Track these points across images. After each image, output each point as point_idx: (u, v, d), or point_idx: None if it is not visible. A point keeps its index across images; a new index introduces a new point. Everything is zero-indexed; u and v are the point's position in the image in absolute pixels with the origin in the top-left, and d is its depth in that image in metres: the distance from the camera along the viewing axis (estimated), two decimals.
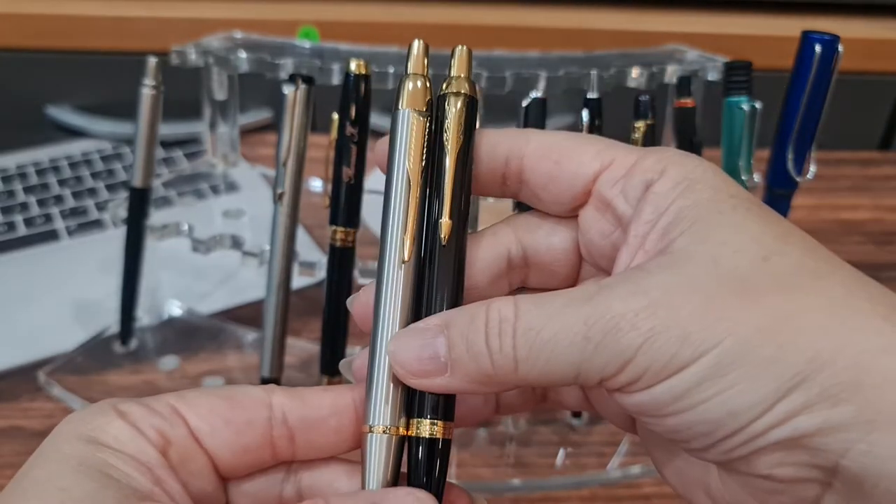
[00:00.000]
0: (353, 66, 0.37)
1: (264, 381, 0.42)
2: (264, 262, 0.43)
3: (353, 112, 0.37)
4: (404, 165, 0.23)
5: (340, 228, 0.39)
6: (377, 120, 0.38)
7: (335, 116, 0.38)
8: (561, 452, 0.43)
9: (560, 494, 0.41)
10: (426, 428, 0.22)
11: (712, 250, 0.20)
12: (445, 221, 0.22)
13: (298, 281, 0.42)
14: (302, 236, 0.57)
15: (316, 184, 0.57)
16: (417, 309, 0.23)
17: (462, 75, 0.24)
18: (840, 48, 0.37)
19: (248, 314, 0.51)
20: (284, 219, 0.40)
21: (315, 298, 0.49)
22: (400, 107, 0.23)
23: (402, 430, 0.22)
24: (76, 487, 0.20)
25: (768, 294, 0.20)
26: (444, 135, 0.23)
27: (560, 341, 0.20)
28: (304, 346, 0.48)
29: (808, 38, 0.38)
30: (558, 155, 0.23)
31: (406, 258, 0.22)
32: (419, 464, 0.22)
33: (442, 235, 0.23)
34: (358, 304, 0.25)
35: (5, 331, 0.49)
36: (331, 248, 0.39)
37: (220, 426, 0.22)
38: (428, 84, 0.24)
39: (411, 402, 0.22)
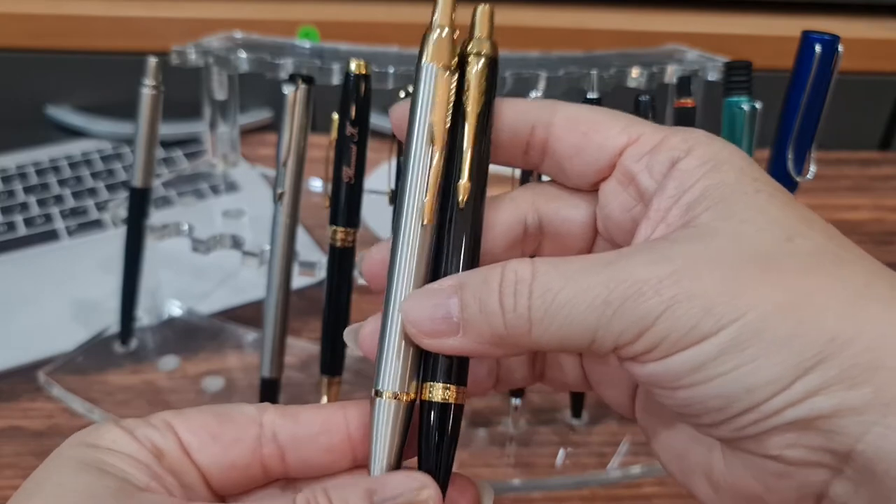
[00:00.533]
0: (353, 66, 0.37)
1: (264, 381, 0.42)
2: (264, 262, 0.43)
3: (353, 112, 0.37)
4: (426, 122, 0.22)
5: (340, 228, 0.39)
6: (377, 120, 0.38)
7: (335, 116, 0.38)
8: (561, 452, 0.43)
9: (560, 494, 0.41)
10: (439, 392, 0.21)
11: (736, 227, 0.20)
12: (464, 184, 0.22)
13: (298, 281, 0.42)
14: (302, 236, 0.57)
15: (316, 184, 0.57)
16: (434, 273, 0.22)
17: (483, 35, 0.23)
18: (840, 48, 0.37)
19: (248, 314, 0.51)
20: (284, 219, 0.40)
21: (315, 298, 0.49)
22: (423, 60, 0.22)
23: (411, 396, 0.22)
24: (72, 481, 0.20)
25: (790, 273, 0.19)
26: (464, 95, 0.22)
27: (578, 304, 0.20)
28: (304, 346, 0.48)
29: (808, 38, 0.37)
30: (586, 127, 0.23)
31: (426, 221, 0.22)
32: (430, 429, 0.21)
33: (460, 198, 0.22)
34: (369, 261, 0.24)
35: (5, 331, 0.49)
36: (331, 248, 0.39)
37: (207, 441, 0.23)
38: (455, 35, 0.22)
39: (424, 365, 0.22)
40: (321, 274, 0.42)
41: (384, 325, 0.22)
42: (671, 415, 0.23)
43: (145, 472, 0.21)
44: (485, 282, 0.21)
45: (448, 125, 0.22)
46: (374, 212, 0.42)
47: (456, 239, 0.22)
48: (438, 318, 0.21)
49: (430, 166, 0.22)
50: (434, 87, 0.22)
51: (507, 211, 0.25)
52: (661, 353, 0.20)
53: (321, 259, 0.43)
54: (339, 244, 0.39)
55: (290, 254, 0.40)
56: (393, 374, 0.22)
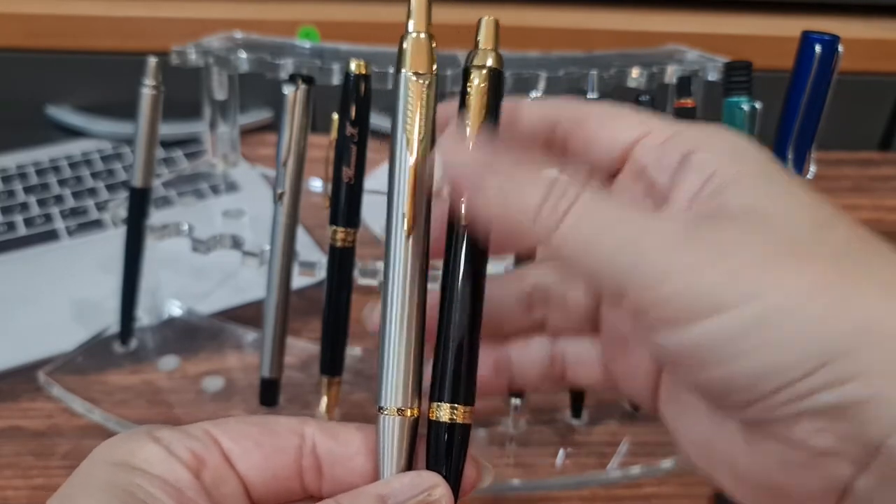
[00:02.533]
0: (353, 66, 0.37)
1: (264, 381, 0.42)
2: (264, 262, 0.43)
3: (353, 112, 0.37)
4: (403, 133, 0.22)
5: (340, 228, 0.39)
6: (377, 120, 0.38)
7: (335, 116, 0.38)
8: (561, 452, 0.43)
9: (560, 494, 0.41)
10: (446, 412, 0.21)
11: (766, 212, 0.20)
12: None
13: (298, 281, 0.42)
14: (302, 236, 0.57)
15: (316, 184, 0.57)
16: (444, 282, 0.22)
17: (488, 47, 0.23)
18: (840, 48, 0.37)
19: (248, 314, 0.51)
20: (284, 219, 0.40)
21: (315, 298, 0.49)
22: (401, 69, 0.22)
23: (415, 412, 0.22)
24: None
25: (823, 259, 0.19)
26: (466, 111, 0.22)
27: (608, 233, 0.20)
28: (304, 346, 0.48)
29: (807, 38, 0.37)
30: (599, 121, 0.24)
31: (406, 230, 0.22)
32: (438, 448, 0.22)
33: (463, 216, 0.22)
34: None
35: (5, 331, 0.49)
36: (331, 248, 0.39)
37: (251, 449, 0.22)
38: (431, 42, 0.22)
39: (432, 385, 0.22)
40: (321, 274, 0.42)
41: (383, 341, 0.22)
42: (695, 403, 0.22)
43: (176, 499, 0.21)
44: (543, 174, 0.21)
45: (422, 135, 0.22)
46: (374, 212, 0.42)
47: (461, 257, 0.22)
48: (476, 159, 0.21)
49: (406, 180, 0.22)
50: (409, 96, 0.22)
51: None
52: (679, 315, 0.19)
53: (321, 259, 0.43)
54: (339, 244, 0.39)
55: (290, 254, 0.40)
56: (394, 389, 0.22)
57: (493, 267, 0.23)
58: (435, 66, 0.22)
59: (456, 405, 0.22)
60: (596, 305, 0.26)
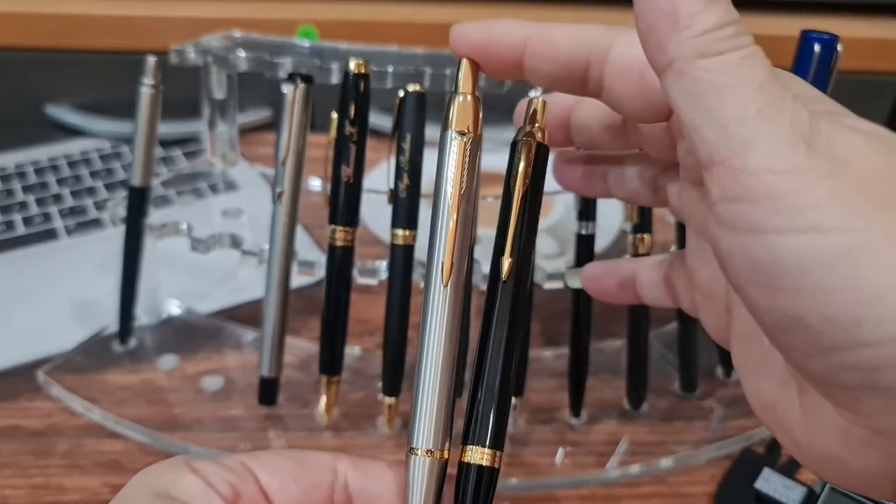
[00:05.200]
0: (352, 65, 0.37)
1: (263, 381, 0.42)
2: (263, 262, 0.43)
3: (352, 111, 0.37)
4: (447, 189, 0.23)
5: (340, 228, 0.39)
6: (376, 119, 0.38)
7: (334, 116, 0.38)
8: (560, 452, 0.43)
9: (559, 494, 0.41)
10: (478, 455, 0.22)
11: (865, 147, 0.18)
12: (506, 260, 0.23)
13: (298, 280, 0.42)
14: (301, 235, 0.57)
15: (315, 183, 0.56)
16: (483, 337, 0.23)
17: (537, 125, 0.24)
18: (839, 48, 0.37)
19: (247, 313, 0.51)
20: (284, 218, 0.40)
21: (314, 298, 0.49)
22: (447, 127, 0.23)
23: (445, 455, 0.23)
24: None
25: None
26: (512, 181, 0.23)
27: (737, 89, 0.18)
28: (303, 346, 0.48)
29: (806, 37, 0.37)
30: (644, 67, 0.21)
31: (444, 283, 0.23)
32: (466, 490, 0.22)
33: (503, 274, 0.23)
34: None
35: (4, 330, 0.49)
36: (330, 247, 0.39)
37: (288, 484, 0.23)
38: (477, 103, 0.23)
39: (465, 429, 0.23)
40: (320, 273, 0.42)
41: (417, 384, 0.23)
42: (761, 355, 0.21)
43: None
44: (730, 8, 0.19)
45: (463, 190, 0.23)
46: (373, 211, 0.42)
47: (500, 312, 0.23)
48: None
49: (447, 231, 0.23)
50: (454, 153, 0.23)
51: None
52: (769, 217, 0.17)
53: (320, 258, 0.43)
54: (338, 243, 0.39)
55: (289, 253, 0.40)
56: (427, 431, 0.23)
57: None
58: (480, 127, 0.23)
59: (487, 449, 0.22)
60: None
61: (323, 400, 0.42)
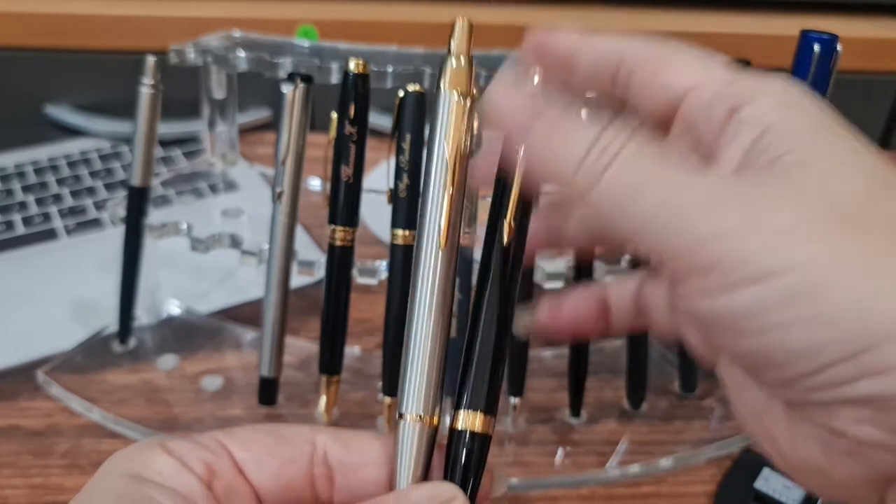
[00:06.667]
0: (351, 65, 0.37)
1: (263, 381, 0.42)
2: (263, 262, 0.43)
3: (351, 111, 0.37)
4: (444, 148, 0.22)
5: (339, 227, 0.39)
6: (376, 119, 0.38)
7: (334, 115, 0.38)
8: (560, 451, 0.43)
9: (558, 493, 0.41)
10: (470, 420, 0.22)
11: (819, 174, 0.19)
12: (507, 223, 0.23)
13: (297, 280, 0.42)
14: (301, 235, 0.57)
15: (315, 183, 0.57)
16: (477, 302, 0.23)
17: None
18: (839, 47, 0.37)
19: (247, 313, 0.51)
20: (283, 218, 0.40)
21: (314, 297, 0.49)
22: (442, 87, 0.23)
23: (435, 421, 0.22)
24: None
25: (873, 231, 0.18)
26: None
27: (649, 190, 0.19)
28: (302, 346, 0.48)
29: (806, 37, 0.37)
30: (656, 65, 0.22)
31: (443, 245, 0.22)
32: (457, 457, 0.22)
33: (504, 237, 0.23)
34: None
35: (4, 330, 0.49)
36: (330, 247, 0.39)
37: (264, 459, 0.22)
38: (472, 64, 0.23)
39: (457, 394, 0.22)
40: (320, 273, 0.42)
41: (407, 347, 0.22)
42: (744, 377, 0.21)
43: None
44: (589, 124, 0.20)
45: (465, 149, 0.23)
46: (373, 211, 0.42)
47: (495, 275, 0.23)
48: (525, 106, 0.21)
49: (446, 191, 0.22)
50: (450, 114, 0.23)
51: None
52: (717, 281, 0.18)
53: (320, 258, 0.43)
54: (338, 243, 0.39)
55: (288, 253, 0.40)
56: (416, 396, 0.22)
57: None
58: (475, 89, 0.23)
59: (479, 414, 0.22)
60: None
61: (323, 400, 0.42)
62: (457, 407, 0.22)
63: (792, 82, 0.21)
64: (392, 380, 0.41)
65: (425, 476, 0.22)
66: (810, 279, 0.17)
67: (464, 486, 0.22)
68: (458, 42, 0.23)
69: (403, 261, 0.39)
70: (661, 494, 0.41)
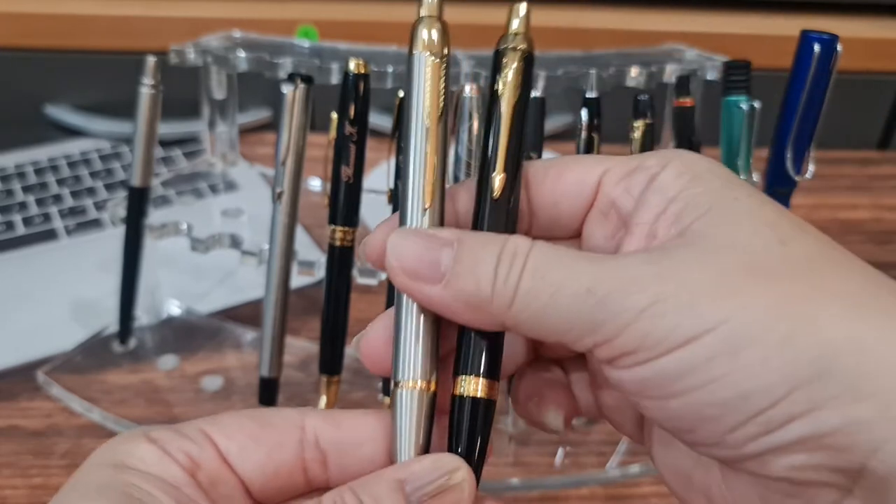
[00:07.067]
0: (351, 65, 0.37)
1: (263, 381, 0.42)
2: (263, 262, 0.43)
3: (351, 111, 0.37)
4: (421, 108, 0.22)
5: (340, 227, 0.39)
6: (376, 119, 0.38)
7: (334, 116, 0.38)
8: (560, 451, 0.43)
9: (559, 493, 0.41)
10: (472, 386, 0.21)
11: (729, 232, 0.20)
12: (498, 176, 0.22)
13: (297, 280, 0.42)
14: (301, 235, 0.57)
15: (315, 183, 0.56)
16: None
17: (520, 31, 0.23)
18: (839, 48, 0.37)
19: (247, 313, 0.51)
20: (283, 218, 0.40)
21: (314, 298, 0.49)
22: (415, 50, 0.23)
23: (432, 386, 0.21)
24: None
25: (785, 278, 0.19)
26: (499, 88, 0.22)
27: (564, 288, 0.19)
28: (302, 346, 0.48)
29: (806, 37, 0.38)
30: (560, 169, 0.23)
31: (427, 205, 0.22)
32: (461, 424, 0.21)
33: (495, 190, 0.22)
34: (369, 341, 0.23)
35: (4, 330, 0.49)
36: (330, 247, 0.39)
37: (249, 446, 0.22)
38: (444, 27, 0.23)
39: (456, 360, 0.21)
40: (320, 273, 0.42)
41: (399, 314, 0.22)
42: (672, 438, 0.22)
43: (174, 496, 0.20)
44: (485, 244, 0.20)
45: (441, 110, 0.22)
46: (373, 211, 0.42)
47: (490, 229, 0.22)
48: (426, 261, 0.20)
49: (426, 152, 0.22)
50: (426, 75, 0.22)
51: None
52: (644, 355, 0.19)
53: (320, 258, 0.43)
54: (338, 243, 0.39)
55: (288, 253, 0.40)
56: (411, 363, 0.21)
57: None
58: (446, 49, 0.23)
59: (482, 379, 0.21)
60: None
61: (323, 400, 0.42)
62: (456, 373, 0.21)
63: (694, 154, 0.22)
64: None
65: (427, 446, 0.21)
66: (731, 334, 0.18)
67: (469, 456, 0.21)
68: (428, 6, 0.23)
69: None
70: (661, 495, 0.41)
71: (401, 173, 0.22)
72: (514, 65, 0.23)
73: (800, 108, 0.38)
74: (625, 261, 0.20)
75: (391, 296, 0.39)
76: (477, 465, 0.21)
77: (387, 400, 0.41)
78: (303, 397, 0.45)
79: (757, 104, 0.39)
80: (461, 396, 0.21)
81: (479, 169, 0.23)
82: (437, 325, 0.22)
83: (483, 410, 0.21)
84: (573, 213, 0.23)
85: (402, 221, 0.22)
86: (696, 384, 0.18)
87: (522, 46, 0.23)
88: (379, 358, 0.22)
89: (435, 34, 0.23)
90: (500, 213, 0.22)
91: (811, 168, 0.40)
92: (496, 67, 0.23)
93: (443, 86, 0.22)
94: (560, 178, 0.23)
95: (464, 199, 0.23)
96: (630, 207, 0.22)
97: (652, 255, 0.20)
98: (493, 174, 0.22)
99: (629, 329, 0.19)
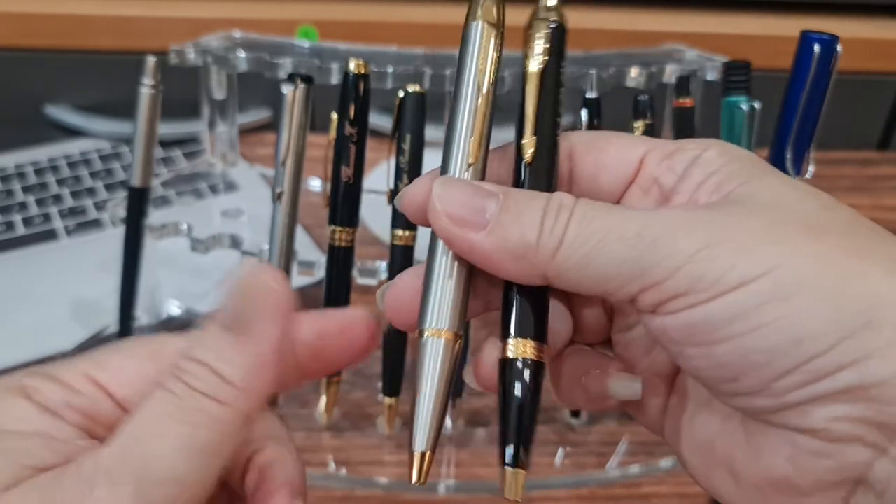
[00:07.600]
0: (351, 65, 0.37)
1: None
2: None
3: (351, 111, 0.37)
4: (474, 70, 0.22)
5: (339, 228, 0.39)
6: (376, 119, 0.38)
7: (334, 116, 0.38)
8: (560, 452, 0.43)
9: (559, 494, 0.41)
10: (521, 348, 0.21)
11: (774, 196, 0.20)
12: (528, 140, 0.22)
13: (297, 280, 0.42)
14: (301, 236, 0.57)
15: (315, 183, 0.57)
16: None
17: (554, 6, 0.24)
18: (839, 48, 0.37)
19: None
20: (283, 218, 0.40)
21: (314, 298, 0.49)
22: (472, 19, 0.23)
23: (460, 340, 0.21)
24: None
25: (832, 234, 0.19)
26: (530, 59, 0.23)
27: (612, 233, 0.19)
28: None
29: (806, 38, 0.38)
30: (604, 143, 0.23)
31: (472, 161, 0.22)
32: (511, 387, 0.21)
33: (527, 155, 0.22)
34: (393, 294, 0.23)
35: (4, 330, 0.49)
36: (330, 247, 0.39)
37: (143, 387, 0.21)
38: (502, 5, 0.23)
39: (503, 323, 0.21)
40: (320, 273, 0.42)
41: (430, 263, 0.21)
42: (699, 403, 0.22)
43: (62, 454, 0.19)
44: (531, 197, 0.21)
45: (493, 75, 0.23)
46: (373, 211, 0.42)
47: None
48: (472, 207, 0.20)
49: (476, 110, 0.22)
50: (481, 40, 0.23)
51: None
52: (695, 298, 0.19)
53: (320, 258, 0.43)
54: (338, 243, 0.39)
55: (289, 253, 0.40)
56: (442, 311, 0.21)
57: None
58: (503, 26, 0.23)
59: (531, 341, 0.21)
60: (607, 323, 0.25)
61: (323, 400, 0.42)
62: (504, 337, 0.21)
63: (731, 144, 0.22)
64: (392, 380, 0.41)
65: (447, 395, 0.21)
66: (784, 279, 0.18)
67: (519, 416, 0.21)
68: None
69: (403, 261, 0.39)
70: (660, 495, 0.41)
71: (446, 132, 0.22)
72: (542, 32, 0.23)
73: (800, 108, 0.38)
74: (673, 212, 0.20)
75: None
76: (529, 431, 0.21)
77: (387, 400, 0.42)
78: (303, 397, 0.45)
79: (757, 104, 0.39)
80: (513, 360, 0.21)
81: (516, 136, 0.23)
82: (469, 280, 0.22)
83: (533, 372, 0.21)
84: (613, 188, 0.23)
85: (445, 174, 0.22)
86: (745, 329, 0.18)
87: (554, 17, 0.23)
88: (404, 309, 0.22)
89: (493, 8, 0.23)
90: (538, 177, 0.22)
91: (811, 168, 0.40)
92: (526, 39, 0.23)
93: (495, 55, 0.23)
94: (602, 151, 0.23)
95: (504, 164, 0.23)
96: (672, 183, 0.22)
97: (702, 208, 0.20)
98: (523, 140, 0.22)
99: (681, 271, 0.19)
